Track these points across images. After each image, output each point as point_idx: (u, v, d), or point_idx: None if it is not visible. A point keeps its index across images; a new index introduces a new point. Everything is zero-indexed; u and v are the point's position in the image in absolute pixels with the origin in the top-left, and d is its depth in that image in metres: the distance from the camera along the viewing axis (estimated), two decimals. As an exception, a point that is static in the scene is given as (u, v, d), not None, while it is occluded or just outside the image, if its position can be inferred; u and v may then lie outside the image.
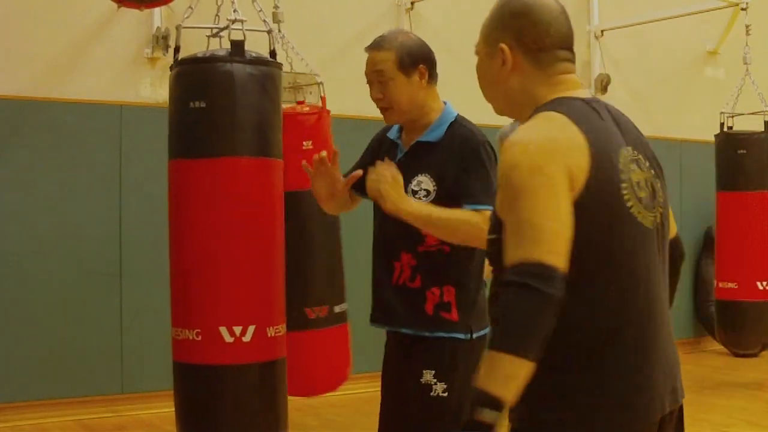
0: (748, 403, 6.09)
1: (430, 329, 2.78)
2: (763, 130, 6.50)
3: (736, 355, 7.61)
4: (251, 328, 3.30)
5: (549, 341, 1.63)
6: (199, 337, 3.24)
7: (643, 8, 7.74)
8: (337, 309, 4.49)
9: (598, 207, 1.70)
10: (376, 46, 2.81)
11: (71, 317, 5.58)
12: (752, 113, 6.63)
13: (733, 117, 6.61)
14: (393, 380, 2.88)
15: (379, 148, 2.94)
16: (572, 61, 1.88)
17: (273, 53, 3.56)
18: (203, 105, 3.25)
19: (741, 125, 6.76)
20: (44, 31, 5.66)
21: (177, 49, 3.48)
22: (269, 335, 3.35)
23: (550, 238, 1.63)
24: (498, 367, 1.60)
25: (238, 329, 3.27)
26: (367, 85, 2.84)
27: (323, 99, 4.73)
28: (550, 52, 1.85)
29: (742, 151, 6.44)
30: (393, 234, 2.82)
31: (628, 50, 7.99)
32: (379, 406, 2.92)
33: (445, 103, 2.91)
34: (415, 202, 2.71)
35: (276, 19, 4.67)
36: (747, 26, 6.60)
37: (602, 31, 7.79)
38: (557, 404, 1.71)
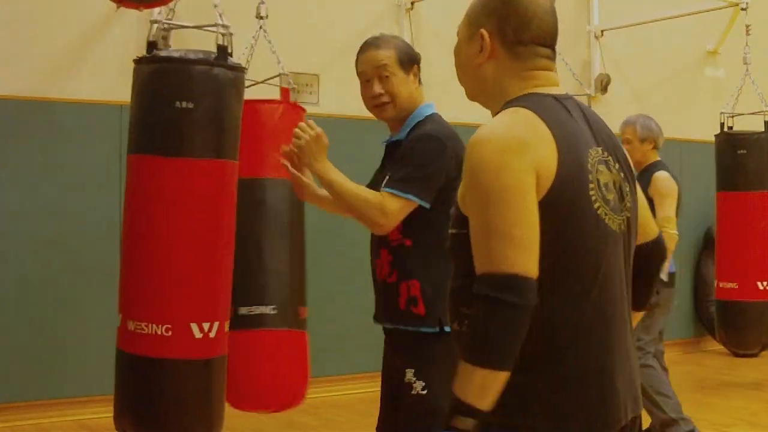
0: (748, 403, 6.09)
1: (402, 323, 2.83)
2: (763, 130, 6.50)
3: (736, 355, 7.61)
4: (216, 325, 3.44)
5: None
6: (170, 333, 3.31)
7: (643, 8, 7.74)
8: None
9: (564, 207, 1.67)
10: (374, 45, 2.92)
11: (71, 317, 5.58)
12: (752, 113, 6.63)
13: (733, 117, 6.60)
14: (385, 378, 2.93)
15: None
16: (551, 59, 1.85)
17: (224, 49, 3.55)
18: (191, 106, 3.31)
19: (741, 125, 6.76)
20: (44, 31, 5.66)
21: (154, 45, 3.49)
22: (225, 330, 3.50)
23: (521, 247, 1.61)
24: (474, 380, 1.61)
25: (206, 325, 3.39)
26: (363, 83, 2.92)
27: (285, 91, 4.62)
28: (528, 47, 1.81)
29: (742, 151, 6.43)
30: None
31: (628, 50, 7.99)
32: (381, 403, 2.95)
33: (428, 104, 2.97)
34: (332, 167, 2.79)
35: (258, 14, 4.67)
36: (747, 26, 6.60)
37: (602, 31, 7.79)
38: (512, 406, 1.67)
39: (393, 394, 2.84)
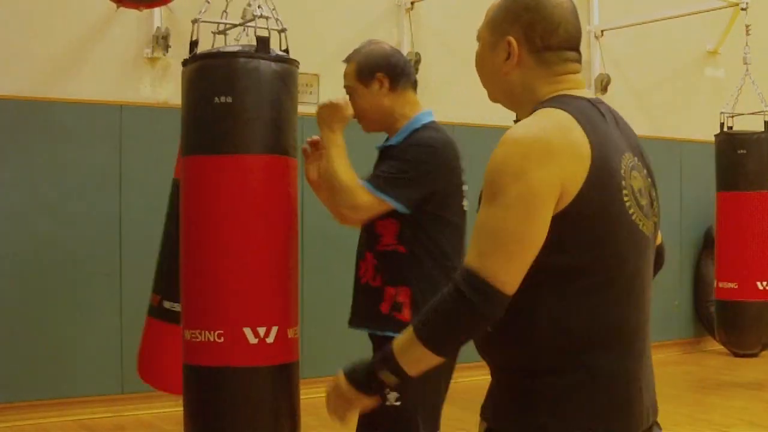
0: (748, 403, 6.09)
1: (381, 328, 2.80)
2: (763, 130, 6.50)
3: (736, 355, 7.61)
4: (274, 330, 3.22)
5: (541, 343, 1.67)
6: (221, 339, 3.13)
7: (643, 8, 7.74)
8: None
9: (597, 212, 1.65)
10: (346, 59, 2.95)
11: (71, 317, 5.58)
12: (752, 113, 6.63)
13: (733, 117, 6.61)
14: None
15: None
16: (578, 61, 1.83)
17: (286, 51, 3.48)
18: (230, 100, 3.15)
19: (741, 125, 6.76)
20: (44, 31, 5.66)
21: (195, 44, 3.35)
22: (289, 336, 3.27)
23: (510, 260, 1.62)
24: (413, 350, 1.71)
25: (262, 330, 3.19)
26: None
27: None
28: (556, 52, 1.79)
29: (742, 151, 6.44)
30: (362, 233, 2.91)
31: (628, 50, 7.99)
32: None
33: (426, 112, 2.93)
34: (337, 142, 2.82)
35: (244, 15, 4.67)
36: (747, 26, 6.60)
37: (602, 31, 7.79)
38: (544, 405, 1.68)
39: None
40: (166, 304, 4.11)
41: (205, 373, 3.20)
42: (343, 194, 2.74)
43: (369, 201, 2.72)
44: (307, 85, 6.34)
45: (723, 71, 8.51)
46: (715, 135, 6.64)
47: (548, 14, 1.77)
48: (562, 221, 1.62)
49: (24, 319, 5.47)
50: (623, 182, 1.68)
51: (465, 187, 2.88)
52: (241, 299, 3.18)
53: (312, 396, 6.03)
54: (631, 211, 1.69)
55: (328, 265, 6.14)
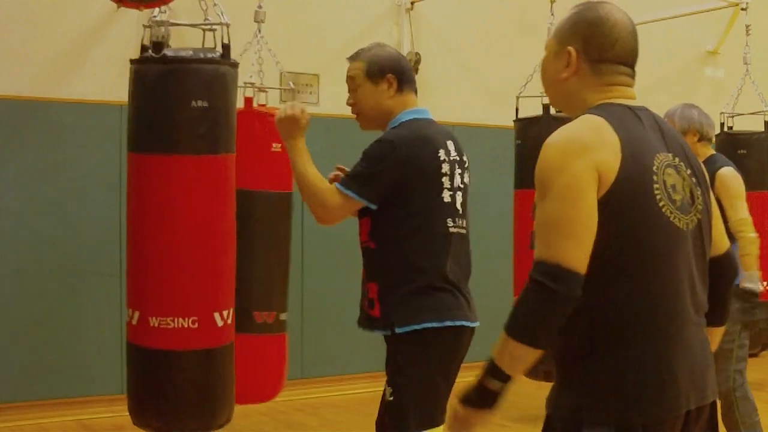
0: (748, 403, 6.07)
1: (365, 325, 2.94)
2: (763, 130, 6.50)
3: (737, 355, 7.60)
4: (231, 312, 3.55)
5: (577, 329, 1.81)
6: (196, 325, 3.41)
7: (643, 8, 7.74)
8: (282, 317, 4.51)
9: (628, 202, 1.80)
10: (352, 57, 3.04)
11: (71, 317, 5.58)
12: (752, 113, 6.63)
13: (733, 117, 6.60)
14: None
15: None
16: (631, 76, 2.03)
17: (228, 47, 3.58)
18: (206, 104, 3.38)
19: (741, 125, 6.76)
20: (44, 31, 5.66)
21: (162, 45, 3.47)
22: (232, 317, 3.61)
23: (571, 241, 1.77)
24: (507, 349, 1.80)
25: (225, 313, 3.51)
26: None
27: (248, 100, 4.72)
28: (611, 65, 1.98)
29: (742, 151, 6.42)
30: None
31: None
32: (378, 406, 2.95)
33: (411, 110, 3.00)
34: (300, 149, 2.93)
35: (257, 18, 4.68)
36: (747, 26, 6.60)
37: (602, 31, 7.78)
38: (579, 389, 1.83)
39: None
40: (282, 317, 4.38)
41: (168, 356, 3.47)
42: (313, 197, 2.87)
43: (338, 200, 2.84)
44: (307, 85, 6.34)
45: (723, 71, 8.51)
46: (715, 135, 6.64)
47: (607, 31, 1.98)
48: (602, 208, 1.78)
49: (24, 319, 5.47)
50: (655, 177, 1.84)
51: (449, 180, 2.90)
52: (215, 286, 3.50)
53: (312, 396, 6.05)
54: (661, 204, 1.83)
55: (328, 265, 6.14)
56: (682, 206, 1.88)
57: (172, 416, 3.52)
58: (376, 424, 2.91)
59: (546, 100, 6.16)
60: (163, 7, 3.47)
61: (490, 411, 1.87)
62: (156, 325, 3.44)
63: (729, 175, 4.31)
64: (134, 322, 3.52)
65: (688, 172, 1.93)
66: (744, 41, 6.60)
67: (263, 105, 4.72)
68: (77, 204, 5.65)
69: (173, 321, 3.41)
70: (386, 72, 2.97)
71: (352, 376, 5.91)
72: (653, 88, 8.24)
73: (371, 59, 2.99)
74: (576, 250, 1.77)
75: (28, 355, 5.47)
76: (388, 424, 2.82)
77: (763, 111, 6.55)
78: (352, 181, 2.84)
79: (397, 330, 2.79)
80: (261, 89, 4.71)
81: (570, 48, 1.97)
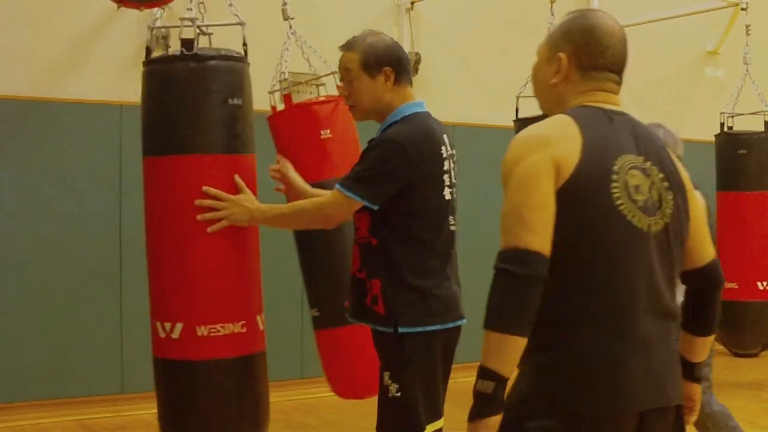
0: (748, 403, 6.09)
1: (366, 320, 2.87)
2: (763, 130, 6.50)
3: (736, 355, 7.60)
4: (263, 317, 3.38)
5: (537, 322, 1.81)
6: (244, 329, 3.25)
7: (643, 8, 7.74)
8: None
9: (583, 197, 1.84)
10: (346, 46, 2.93)
11: (71, 317, 5.58)
12: (752, 113, 6.63)
13: (733, 117, 6.61)
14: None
15: None
16: (617, 83, 2.04)
17: (245, 47, 3.46)
18: (239, 102, 3.25)
19: (741, 125, 6.76)
20: (44, 31, 5.66)
21: (191, 43, 3.27)
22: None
23: (528, 226, 1.80)
24: (487, 343, 1.80)
25: (261, 318, 3.35)
26: None
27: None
28: (601, 72, 2.01)
29: (742, 151, 6.43)
30: (350, 226, 2.98)
31: (628, 50, 7.98)
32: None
33: (411, 104, 2.93)
34: (262, 207, 3.02)
35: (285, 16, 4.64)
36: (747, 26, 6.60)
37: (602, 31, 7.78)
38: (530, 379, 1.86)
39: (380, 394, 2.86)
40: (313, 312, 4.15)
41: (238, 362, 3.27)
42: (310, 215, 2.94)
43: (339, 201, 2.82)
44: (307, 84, 6.34)
45: (723, 71, 8.51)
46: (715, 135, 6.64)
47: (599, 39, 2.00)
48: (558, 200, 1.82)
49: (24, 319, 5.47)
50: (615, 176, 1.86)
51: (448, 177, 2.88)
52: (251, 290, 3.33)
53: (312, 396, 6.05)
54: (618, 202, 1.85)
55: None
56: (646, 207, 1.89)
57: (234, 427, 3.30)
58: (379, 422, 2.86)
59: (546, 100, 6.17)
60: (164, 8, 3.41)
61: (496, 417, 1.82)
62: (206, 334, 3.18)
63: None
64: (175, 335, 3.22)
65: (660, 176, 1.94)
66: (744, 41, 6.61)
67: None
68: (77, 204, 5.65)
69: (223, 327, 3.20)
70: (383, 64, 2.86)
71: (352, 376, 5.89)
72: (653, 88, 8.25)
73: (367, 50, 2.87)
74: (533, 234, 1.80)
75: (28, 355, 5.47)
76: (398, 422, 2.78)
77: (763, 111, 6.55)
78: (355, 183, 2.78)
79: (401, 330, 2.77)
80: (315, 82, 4.68)
81: (561, 55, 2.01)
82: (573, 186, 1.83)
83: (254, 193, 3.27)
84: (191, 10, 3.33)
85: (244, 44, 3.37)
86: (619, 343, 1.84)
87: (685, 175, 2.04)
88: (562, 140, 1.87)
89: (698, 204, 2.08)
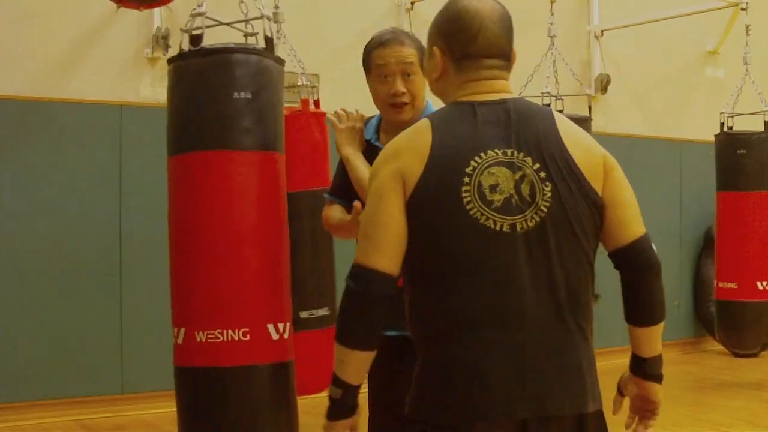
0: (748, 403, 6.09)
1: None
2: (763, 130, 6.50)
3: (736, 355, 7.61)
4: (288, 325, 3.23)
5: (411, 329, 1.87)
6: (247, 337, 3.09)
7: (643, 8, 7.74)
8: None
9: (431, 206, 1.78)
10: (398, 41, 2.77)
11: (71, 317, 5.58)
12: (752, 113, 6.63)
13: (733, 117, 6.61)
14: (384, 385, 2.77)
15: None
16: (501, 68, 1.89)
17: (270, 41, 3.37)
18: (249, 96, 3.14)
19: (741, 125, 6.76)
20: (44, 31, 5.66)
21: (200, 38, 3.24)
22: (292, 332, 3.30)
23: (371, 243, 1.81)
24: (335, 353, 1.85)
25: (281, 326, 3.18)
26: (381, 79, 2.77)
27: (317, 102, 4.74)
28: (475, 60, 1.87)
29: (742, 151, 6.43)
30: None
31: (628, 50, 7.99)
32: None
33: (427, 101, 2.88)
34: (359, 155, 2.81)
35: (276, 19, 4.64)
36: (747, 26, 6.60)
37: (602, 31, 7.79)
38: (414, 390, 1.86)
39: (393, 401, 2.60)
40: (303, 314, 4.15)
41: (230, 373, 3.14)
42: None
43: None
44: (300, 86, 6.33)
45: (723, 71, 8.50)
46: (715, 135, 6.64)
47: (467, 24, 1.86)
48: (407, 211, 1.79)
49: (24, 319, 5.47)
50: (466, 179, 1.78)
51: None
52: (263, 296, 3.18)
53: (312, 396, 6.03)
54: (469, 206, 1.77)
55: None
56: (505, 207, 1.77)
57: None
58: (394, 424, 2.77)
59: (546, 100, 6.17)
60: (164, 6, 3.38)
61: (345, 420, 1.88)
62: (203, 339, 3.10)
63: None
64: (180, 341, 3.18)
65: (536, 166, 1.79)
66: (744, 41, 6.61)
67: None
68: (77, 204, 5.65)
69: (221, 334, 3.08)
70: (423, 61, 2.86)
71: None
72: (653, 88, 8.25)
73: (421, 47, 2.74)
74: (376, 251, 1.79)
75: (28, 355, 5.47)
76: None
77: (762, 111, 6.55)
78: None
79: None
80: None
81: (435, 48, 1.90)
82: (418, 197, 1.78)
83: (281, 191, 3.22)
84: (201, 5, 3.30)
85: (268, 38, 3.28)
86: (474, 351, 1.76)
87: (586, 156, 1.84)
88: (408, 150, 1.82)
89: (619, 182, 1.87)
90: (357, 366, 1.85)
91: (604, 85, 7.71)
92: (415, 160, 1.79)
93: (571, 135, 1.86)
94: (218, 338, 3.10)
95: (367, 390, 3.02)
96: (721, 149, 6.56)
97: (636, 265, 1.90)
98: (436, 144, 1.80)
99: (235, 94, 3.12)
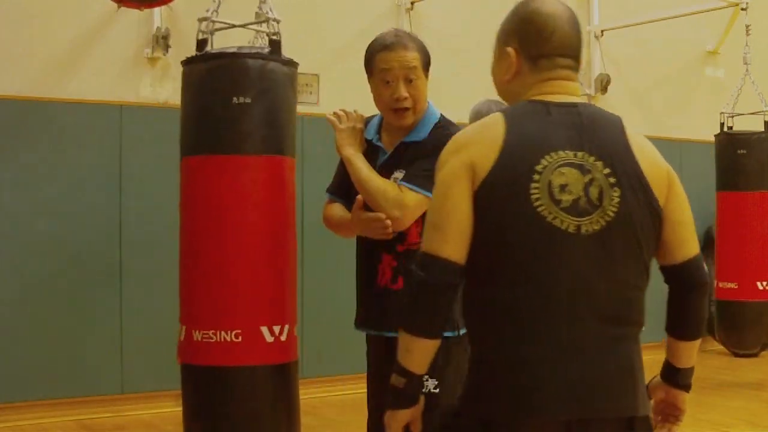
0: (748, 403, 6.09)
1: None
2: (763, 130, 6.50)
3: (736, 355, 7.61)
4: (287, 328, 3.24)
5: (467, 322, 1.89)
6: (239, 338, 3.13)
7: (643, 8, 7.74)
8: None
9: (499, 198, 1.79)
10: (402, 45, 2.77)
11: (71, 317, 5.58)
12: (752, 113, 6.64)
13: (733, 117, 6.61)
14: (383, 385, 2.80)
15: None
16: (573, 68, 1.94)
17: (276, 43, 3.36)
18: (248, 101, 3.14)
19: (741, 125, 6.76)
20: (44, 31, 5.66)
21: (204, 42, 3.30)
22: (294, 334, 3.30)
23: (439, 231, 1.81)
24: (400, 341, 1.85)
25: (277, 329, 3.20)
26: (384, 83, 2.78)
27: None
28: (550, 59, 1.91)
29: (742, 151, 6.43)
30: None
31: (628, 50, 7.99)
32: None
33: (429, 102, 2.89)
34: (359, 155, 2.80)
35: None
36: (747, 26, 6.60)
37: (602, 31, 7.79)
38: (467, 377, 1.89)
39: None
40: None
41: (220, 374, 3.18)
42: (388, 200, 2.69)
43: (415, 200, 2.68)
44: (306, 85, 6.34)
45: (723, 71, 8.51)
46: (715, 135, 6.64)
47: (542, 24, 1.90)
48: (475, 202, 1.79)
49: (24, 319, 5.47)
50: (536, 176, 1.79)
51: None
52: (258, 298, 3.19)
53: (312, 396, 6.04)
54: (537, 204, 1.78)
55: (328, 265, 6.14)
56: (574, 207, 1.79)
57: None
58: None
59: (546, 100, 6.17)
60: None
61: (408, 409, 1.89)
62: (199, 339, 3.15)
63: None
64: (182, 338, 3.23)
65: (606, 171, 1.82)
66: (744, 41, 6.61)
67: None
68: (77, 204, 5.65)
69: (215, 334, 3.12)
70: (429, 65, 2.83)
71: (351, 376, 5.88)
72: (653, 88, 8.25)
73: (423, 49, 2.79)
74: (444, 240, 1.79)
75: (28, 355, 5.47)
76: (429, 410, 2.74)
77: (762, 111, 6.56)
78: (429, 181, 2.59)
79: (462, 331, 2.63)
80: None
81: (509, 49, 1.93)
82: (487, 189, 1.79)
83: (291, 195, 3.21)
84: (209, 10, 3.30)
85: (274, 40, 3.29)
86: (527, 348, 1.78)
87: (652, 167, 1.88)
88: (480, 142, 1.83)
89: (679, 198, 1.92)
90: (422, 354, 1.84)
91: (604, 85, 7.71)
92: (486, 152, 1.80)
93: (639, 145, 1.90)
94: (212, 338, 3.15)
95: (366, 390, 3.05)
96: (721, 149, 6.56)
97: (688, 283, 1.96)
98: (509, 137, 1.81)
99: (234, 99, 3.13)
